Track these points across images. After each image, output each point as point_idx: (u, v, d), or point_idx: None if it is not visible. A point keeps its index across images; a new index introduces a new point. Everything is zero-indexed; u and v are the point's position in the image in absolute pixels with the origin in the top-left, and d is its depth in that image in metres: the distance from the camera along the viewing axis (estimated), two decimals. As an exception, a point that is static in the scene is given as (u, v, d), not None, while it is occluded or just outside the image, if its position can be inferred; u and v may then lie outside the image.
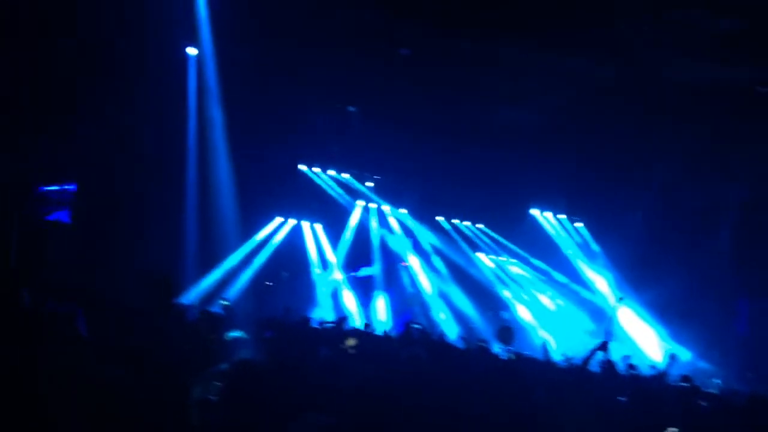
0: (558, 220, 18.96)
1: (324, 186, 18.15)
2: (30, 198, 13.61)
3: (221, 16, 11.32)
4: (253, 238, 17.09)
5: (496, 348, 10.06)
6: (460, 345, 11.29)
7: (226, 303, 11.26)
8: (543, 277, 19.24)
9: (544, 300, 19.19)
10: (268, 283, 16.96)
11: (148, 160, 13.83)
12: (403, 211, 19.07)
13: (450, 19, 10.95)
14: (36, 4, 10.76)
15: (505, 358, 9.02)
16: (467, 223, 19.60)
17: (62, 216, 14.19)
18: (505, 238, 19.31)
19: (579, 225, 18.93)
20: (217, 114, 13.15)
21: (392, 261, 19.22)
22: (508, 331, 10.54)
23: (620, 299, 14.03)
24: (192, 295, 14.10)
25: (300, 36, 11.89)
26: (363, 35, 11.88)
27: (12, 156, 12.27)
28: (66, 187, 14.20)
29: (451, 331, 16.22)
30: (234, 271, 16.04)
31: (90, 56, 11.50)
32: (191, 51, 12.39)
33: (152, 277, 5.79)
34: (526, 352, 10.32)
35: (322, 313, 16.53)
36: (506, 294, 19.30)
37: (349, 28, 11.76)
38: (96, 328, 5.08)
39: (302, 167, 17.70)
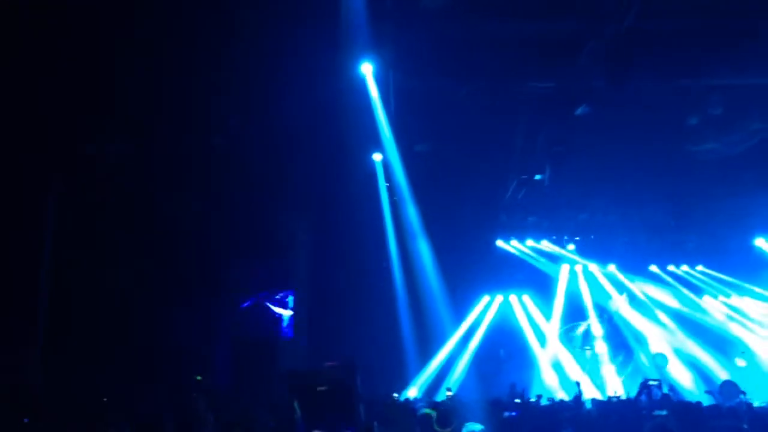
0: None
1: (525, 257, 17.89)
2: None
3: (399, 116, 11.80)
4: (464, 320, 17.09)
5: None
6: (716, 401, 10.47)
7: (451, 393, 11.25)
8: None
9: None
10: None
11: (354, 264, 14.41)
12: (612, 267, 18.23)
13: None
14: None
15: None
16: (684, 268, 18.33)
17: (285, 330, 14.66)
18: (732, 275, 17.85)
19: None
20: (411, 208, 13.54)
21: (610, 320, 18.27)
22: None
23: None
24: (416, 387, 14.26)
25: (478, 114, 12.05)
26: (541, 101, 11.85)
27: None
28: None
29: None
30: (452, 356, 16.05)
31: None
32: (377, 157, 12.95)
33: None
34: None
35: (545, 387, 16.02)
36: (744, 336, 17.61)
37: (525, 97, 11.82)
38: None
39: (500, 243, 17.60)
